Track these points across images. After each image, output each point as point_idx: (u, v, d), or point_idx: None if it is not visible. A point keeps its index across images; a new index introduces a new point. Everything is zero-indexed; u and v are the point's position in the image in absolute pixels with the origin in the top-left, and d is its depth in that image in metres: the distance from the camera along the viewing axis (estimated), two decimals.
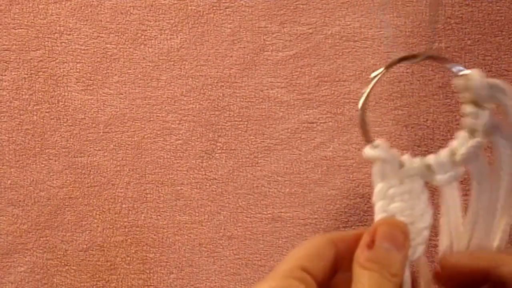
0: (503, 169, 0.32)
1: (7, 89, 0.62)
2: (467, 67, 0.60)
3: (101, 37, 0.61)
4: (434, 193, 0.33)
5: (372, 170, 0.32)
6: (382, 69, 0.33)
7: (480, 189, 0.33)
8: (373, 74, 0.33)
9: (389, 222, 0.31)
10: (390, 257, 0.30)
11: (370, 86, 0.32)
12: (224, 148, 0.61)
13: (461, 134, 0.33)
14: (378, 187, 0.32)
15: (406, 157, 0.33)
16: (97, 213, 0.61)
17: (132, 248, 0.61)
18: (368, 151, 0.33)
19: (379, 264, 0.30)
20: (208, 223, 0.61)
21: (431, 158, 0.33)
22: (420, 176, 0.32)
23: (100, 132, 0.61)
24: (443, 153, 0.33)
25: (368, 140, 0.32)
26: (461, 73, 0.33)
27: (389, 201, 0.32)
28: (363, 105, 0.32)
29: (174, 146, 0.61)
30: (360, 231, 0.34)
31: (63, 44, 0.62)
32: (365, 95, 0.32)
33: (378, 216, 0.32)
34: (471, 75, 0.32)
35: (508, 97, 0.32)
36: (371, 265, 0.30)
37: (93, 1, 0.61)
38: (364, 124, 0.32)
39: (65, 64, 0.61)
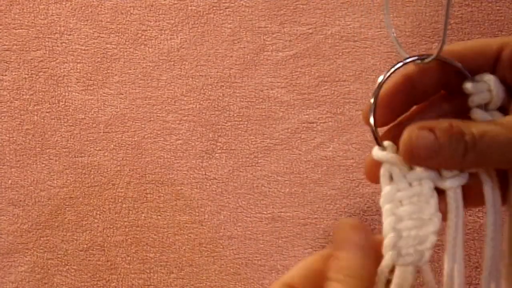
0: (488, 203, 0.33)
1: (8, 89, 0.62)
2: None
3: (101, 37, 0.61)
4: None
5: (380, 172, 0.32)
6: (389, 71, 0.33)
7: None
8: (379, 79, 0.33)
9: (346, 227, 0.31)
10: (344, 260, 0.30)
11: (374, 95, 0.32)
12: (224, 148, 0.61)
13: None
14: (386, 189, 0.32)
15: None
16: (98, 213, 0.62)
17: (132, 247, 0.61)
18: (377, 152, 0.32)
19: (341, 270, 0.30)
20: (208, 223, 0.61)
21: None
22: (429, 180, 0.32)
23: (100, 132, 0.61)
24: None
25: (377, 141, 0.32)
26: (476, 77, 0.33)
27: (397, 204, 0.32)
28: (374, 109, 0.32)
29: (174, 146, 0.61)
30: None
31: (63, 44, 0.62)
32: (373, 100, 0.32)
33: (387, 219, 0.32)
34: (489, 78, 0.32)
35: None
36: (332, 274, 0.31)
37: (93, 1, 0.61)
38: (375, 126, 0.32)
39: (66, 64, 0.62)
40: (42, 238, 0.62)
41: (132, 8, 0.61)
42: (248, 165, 0.61)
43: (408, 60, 0.34)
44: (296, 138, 0.60)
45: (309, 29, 0.60)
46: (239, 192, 0.61)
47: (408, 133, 0.31)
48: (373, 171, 0.33)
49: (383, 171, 0.32)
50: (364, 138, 0.59)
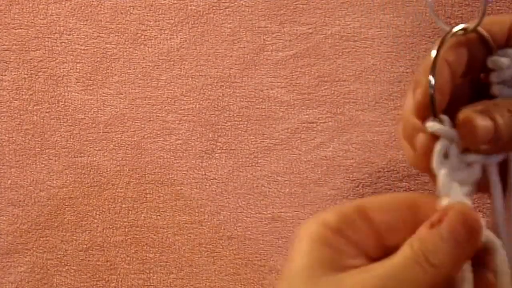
0: None
1: (7, 89, 0.62)
2: None
3: (101, 37, 0.61)
4: None
5: (435, 148, 0.31)
6: (437, 45, 0.32)
7: None
8: (432, 53, 0.32)
9: (464, 214, 0.30)
10: (438, 246, 0.29)
11: (433, 63, 0.31)
12: (224, 148, 0.61)
13: None
14: (443, 172, 0.31)
15: None
16: (97, 213, 0.61)
17: (132, 248, 0.61)
18: (435, 125, 0.32)
19: (421, 245, 0.29)
20: (208, 223, 0.61)
21: None
22: (481, 162, 0.32)
23: (100, 132, 0.61)
24: None
25: (435, 112, 0.31)
26: (499, 51, 0.32)
27: (455, 186, 0.31)
28: (433, 70, 0.31)
29: (174, 146, 0.61)
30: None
31: (63, 44, 0.62)
32: (432, 70, 0.31)
33: (444, 198, 0.31)
34: None
35: None
36: (414, 243, 0.29)
37: (93, 1, 0.61)
38: (433, 98, 0.31)
39: (65, 64, 0.62)
40: (41, 238, 0.62)
41: (131, 8, 0.61)
42: (248, 165, 0.60)
43: (455, 30, 0.33)
44: (296, 138, 0.60)
45: (309, 29, 0.60)
46: (239, 192, 0.61)
47: (469, 117, 0.31)
48: (427, 152, 0.32)
49: (438, 147, 0.32)
50: (364, 138, 0.59)
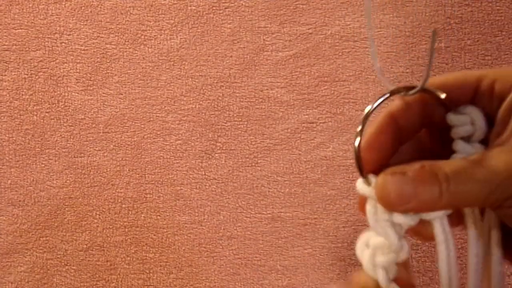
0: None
1: (7, 89, 0.62)
2: (467, 67, 0.60)
3: (101, 37, 0.61)
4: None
5: (366, 207, 0.31)
6: (373, 104, 0.32)
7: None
8: (366, 109, 0.32)
9: None
10: None
11: (362, 124, 0.31)
12: (224, 148, 0.61)
13: None
14: (363, 237, 0.31)
15: None
16: (97, 213, 0.61)
17: (132, 248, 0.61)
18: (362, 186, 0.31)
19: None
20: (208, 223, 0.61)
21: None
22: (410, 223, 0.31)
23: (100, 132, 0.61)
24: None
25: (362, 173, 0.31)
26: (459, 108, 0.32)
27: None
28: (360, 137, 0.31)
29: (174, 146, 0.61)
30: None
31: (63, 44, 0.62)
32: (359, 132, 0.31)
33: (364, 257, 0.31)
34: (472, 110, 0.32)
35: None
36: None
37: (93, 1, 0.61)
38: (359, 156, 0.31)
39: (65, 64, 0.62)
40: (41, 238, 0.62)
41: (131, 8, 0.61)
42: (248, 165, 0.60)
43: (393, 91, 0.32)
44: (296, 138, 0.60)
45: (309, 29, 0.60)
46: (239, 192, 0.61)
47: (381, 179, 0.30)
48: (363, 203, 0.32)
49: (369, 208, 0.31)
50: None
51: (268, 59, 0.60)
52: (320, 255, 0.60)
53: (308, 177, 0.60)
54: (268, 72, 0.60)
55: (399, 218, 0.31)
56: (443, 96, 0.32)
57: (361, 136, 0.31)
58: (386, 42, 0.59)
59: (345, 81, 0.59)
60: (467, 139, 0.32)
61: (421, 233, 0.32)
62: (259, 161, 0.60)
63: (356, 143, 0.31)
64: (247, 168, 0.60)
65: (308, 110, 0.60)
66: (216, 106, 0.61)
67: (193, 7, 0.61)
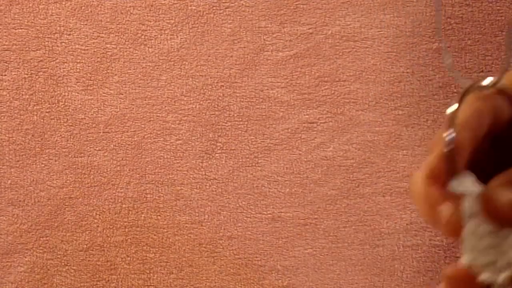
0: None
1: (7, 89, 0.62)
2: (467, 67, 0.60)
3: (101, 37, 0.61)
4: None
5: (462, 205, 0.29)
6: (455, 104, 0.30)
7: None
8: (449, 109, 0.30)
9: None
10: None
11: (448, 124, 0.30)
12: (224, 148, 0.61)
13: None
14: (470, 225, 0.29)
15: None
16: (97, 213, 0.61)
17: (132, 248, 0.61)
18: (457, 186, 0.30)
19: None
20: (208, 223, 0.61)
21: None
22: None
23: (100, 132, 0.61)
24: None
25: (456, 170, 0.30)
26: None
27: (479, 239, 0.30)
28: (451, 148, 0.30)
29: (174, 146, 0.61)
30: None
31: (63, 44, 0.62)
32: (450, 138, 0.29)
33: (467, 252, 0.30)
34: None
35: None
36: None
37: (93, 1, 0.61)
38: (453, 154, 0.30)
39: (65, 64, 0.62)
40: (41, 239, 0.62)
41: (132, 8, 0.61)
42: (248, 165, 0.60)
43: (476, 85, 0.31)
44: (296, 138, 0.60)
45: (309, 29, 0.60)
46: (239, 193, 0.61)
47: (492, 192, 0.28)
48: (456, 223, 0.29)
49: (466, 205, 0.29)
50: (364, 138, 0.59)
51: (269, 59, 0.60)
52: (321, 255, 0.60)
53: (308, 177, 0.60)
54: (268, 72, 0.60)
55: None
56: None
57: (453, 130, 0.29)
58: (387, 42, 0.59)
59: (346, 81, 0.59)
60: None
61: None
62: (259, 161, 0.60)
63: (449, 137, 0.29)
64: (248, 168, 0.60)
65: (308, 110, 0.60)
66: (216, 106, 0.61)
67: (193, 7, 0.61)
